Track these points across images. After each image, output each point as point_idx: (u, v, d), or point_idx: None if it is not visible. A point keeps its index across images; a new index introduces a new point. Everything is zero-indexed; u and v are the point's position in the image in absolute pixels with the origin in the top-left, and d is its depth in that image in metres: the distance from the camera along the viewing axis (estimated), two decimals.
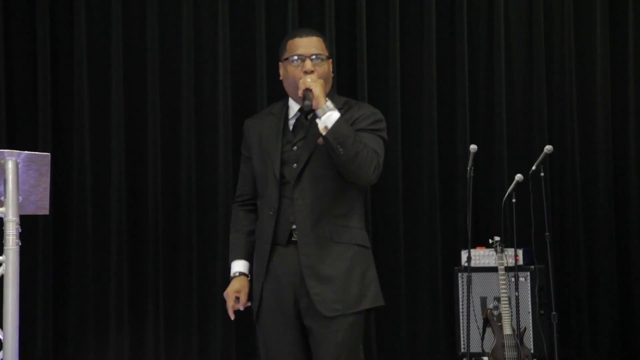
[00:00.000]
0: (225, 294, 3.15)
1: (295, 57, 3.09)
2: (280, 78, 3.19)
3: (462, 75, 6.51)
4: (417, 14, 6.59)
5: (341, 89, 6.17)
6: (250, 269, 3.19)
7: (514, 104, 6.54)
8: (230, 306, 3.13)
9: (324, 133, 2.95)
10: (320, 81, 3.01)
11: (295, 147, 3.09)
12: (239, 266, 3.19)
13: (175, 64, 6.58)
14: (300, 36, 3.14)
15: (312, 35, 3.15)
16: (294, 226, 3.05)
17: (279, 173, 3.07)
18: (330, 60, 3.16)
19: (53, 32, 6.54)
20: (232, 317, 3.16)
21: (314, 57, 3.09)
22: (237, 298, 3.14)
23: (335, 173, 3.04)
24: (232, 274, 3.18)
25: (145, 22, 6.57)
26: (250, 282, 3.18)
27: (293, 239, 3.06)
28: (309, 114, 3.02)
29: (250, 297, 3.16)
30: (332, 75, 3.18)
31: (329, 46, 3.20)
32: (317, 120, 2.98)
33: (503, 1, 6.52)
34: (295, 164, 3.07)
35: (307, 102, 2.98)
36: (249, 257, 3.20)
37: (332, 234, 3.05)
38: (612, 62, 6.45)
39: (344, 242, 3.06)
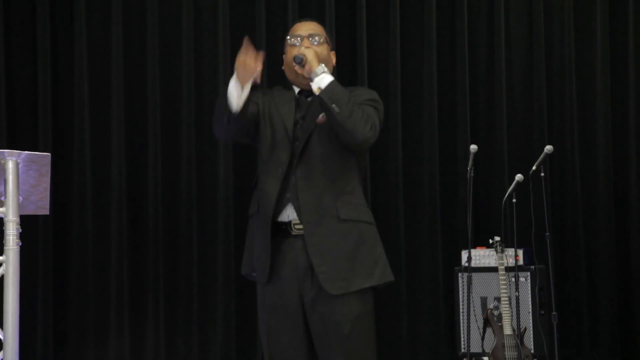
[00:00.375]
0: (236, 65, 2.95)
1: (293, 39, 3.17)
2: (283, 67, 3.23)
3: (462, 75, 6.50)
4: (417, 14, 6.59)
5: None
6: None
7: (514, 104, 6.53)
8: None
9: (317, 93, 2.98)
10: (314, 50, 3.07)
11: (298, 126, 3.12)
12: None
13: (175, 64, 6.58)
14: (300, 22, 3.27)
15: (312, 21, 3.26)
16: (293, 212, 3.03)
17: (292, 134, 3.07)
18: (333, 53, 3.24)
19: (53, 32, 6.54)
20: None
21: (310, 37, 3.16)
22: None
23: (336, 152, 3.05)
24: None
25: (146, 22, 6.57)
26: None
27: (293, 233, 3.05)
28: (305, 94, 3.08)
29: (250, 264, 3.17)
30: (334, 65, 3.23)
31: (330, 37, 3.25)
32: (311, 83, 3.02)
33: (503, 1, 6.51)
34: (297, 143, 3.08)
35: (297, 56, 3.03)
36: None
37: (338, 212, 3.03)
38: (612, 62, 6.44)
39: (350, 220, 3.04)
